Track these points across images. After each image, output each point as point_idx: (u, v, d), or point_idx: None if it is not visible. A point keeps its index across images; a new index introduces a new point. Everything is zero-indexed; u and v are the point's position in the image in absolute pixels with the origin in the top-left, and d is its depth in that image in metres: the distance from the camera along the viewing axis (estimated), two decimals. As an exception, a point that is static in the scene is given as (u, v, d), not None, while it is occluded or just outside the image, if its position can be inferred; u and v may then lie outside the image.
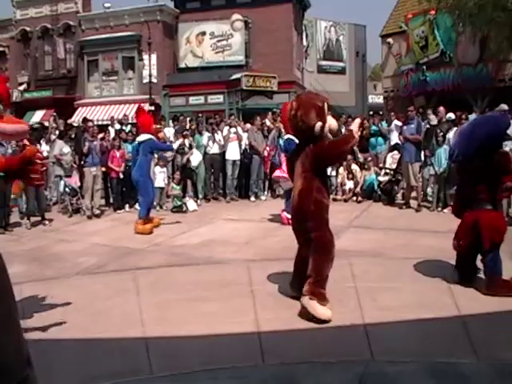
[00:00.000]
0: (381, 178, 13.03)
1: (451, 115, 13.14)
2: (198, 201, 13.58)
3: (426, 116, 12.89)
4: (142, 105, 25.21)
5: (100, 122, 24.83)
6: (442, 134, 11.88)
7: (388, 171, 13.06)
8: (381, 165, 13.45)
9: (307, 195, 5.32)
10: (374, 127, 14.36)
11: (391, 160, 13.10)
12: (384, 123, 14.81)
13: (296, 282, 5.48)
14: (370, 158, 14.00)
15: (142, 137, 10.27)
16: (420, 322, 4.87)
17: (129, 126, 15.25)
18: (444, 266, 6.53)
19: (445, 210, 11.23)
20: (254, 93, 28.77)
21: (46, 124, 22.57)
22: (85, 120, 13.75)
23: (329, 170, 13.97)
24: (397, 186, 12.95)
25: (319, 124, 5.22)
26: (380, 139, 14.12)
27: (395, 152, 13.10)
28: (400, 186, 13.09)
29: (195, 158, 13.59)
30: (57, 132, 14.72)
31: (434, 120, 12.86)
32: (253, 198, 13.94)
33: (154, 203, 12.53)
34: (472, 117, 13.08)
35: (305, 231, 5.34)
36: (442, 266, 6.55)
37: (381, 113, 15.74)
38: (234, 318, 5.08)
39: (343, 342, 4.61)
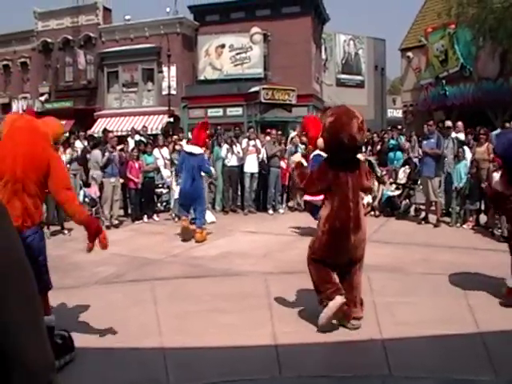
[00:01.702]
0: (390, 193, 12.98)
1: (461, 136, 12.90)
2: (216, 213, 13.61)
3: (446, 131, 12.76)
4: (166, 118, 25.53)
5: (119, 133, 25.03)
6: (461, 148, 11.83)
7: (397, 185, 12.98)
8: (391, 179, 13.37)
9: (365, 219, 5.36)
10: (392, 141, 14.29)
11: (403, 175, 13.04)
12: (403, 137, 14.73)
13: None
14: (384, 172, 13.92)
15: (198, 149, 10.32)
16: (438, 338, 4.84)
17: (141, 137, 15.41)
18: (463, 281, 6.48)
19: (464, 226, 11.16)
20: (272, 105, 28.84)
21: (66, 135, 22.79)
22: (105, 131, 13.85)
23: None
24: (408, 200, 12.86)
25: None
26: (399, 153, 14.03)
27: (407, 166, 13.04)
28: (412, 200, 13.02)
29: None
30: (77, 145, 14.88)
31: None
32: (271, 211, 13.93)
33: (173, 214, 12.66)
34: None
35: (358, 259, 5.27)
36: (460, 281, 6.51)
37: (399, 127, 15.65)
38: (251, 331, 5.08)
39: (361, 357, 4.60)
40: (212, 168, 12.07)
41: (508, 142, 6.02)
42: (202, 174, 10.69)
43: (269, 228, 11.58)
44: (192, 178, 10.17)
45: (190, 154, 10.28)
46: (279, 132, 15.29)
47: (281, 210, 14.05)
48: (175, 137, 15.04)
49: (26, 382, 1.53)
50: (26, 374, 1.53)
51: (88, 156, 13.24)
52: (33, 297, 1.62)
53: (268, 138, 14.73)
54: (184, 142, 11.47)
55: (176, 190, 12.40)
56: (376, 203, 13.13)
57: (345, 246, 5.09)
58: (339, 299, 4.98)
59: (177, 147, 13.47)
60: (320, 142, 5.37)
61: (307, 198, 10.01)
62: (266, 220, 12.99)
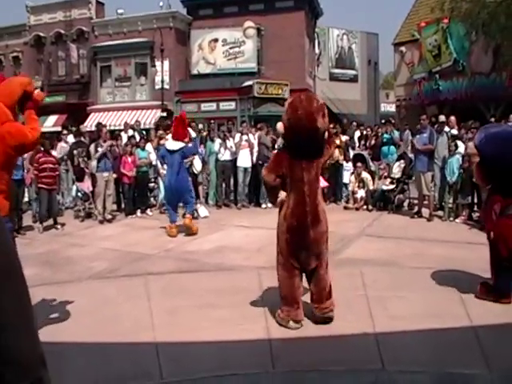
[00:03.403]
0: (385, 187, 12.99)
1: (454, 131, 12.92)
2: (209, 207, 13.59)
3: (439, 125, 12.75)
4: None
5: (112, 128, 24.97)
6: (453, 143, 11.86)
7: (391, 180, 12.99)
8: (386, 174, 13.40)
9: (324, 211, 5.24)
10: (386, 136, 14.30)
11: (398, 169, 13.05)
12: (396, 132, 14.75)
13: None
14: (382, 167, 13.94)
15: (178, 144, 10.32)
16: (431, 332, 4.85)
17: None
18: (456, 275, 6.50)
19: (457, 220, 11.19)
20: (265, 100, 28.80)
21: (58, 129, 22.73)
22: (99, 125, 13.74)
23: (345, 177, 14.03)
24: (402, 195, 12.88)
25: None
26: (392, 148, 14.04)
27: (402, 161, 13.05)
28: (406, 194, 13.04)
29: (198, 163, 13.54)
30: (69, 140, 14.89)
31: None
32: (264, 205, 13.92)
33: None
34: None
35: (319, 253, 5.09)
36: (453, 275, 6.53)
37: (393, 121, 15.65)
38: (244, 325, 5.08)
39: (354, 351, 4.60)
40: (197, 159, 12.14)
41: (486, 136, 6.03)
42: (196, 163, 10.69)
43: (262, 222, 11.54)
44: (176, 173, 10.22)
45: (172, 150, 10.32)
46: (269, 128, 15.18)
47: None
48: (160, 132, 14.96)
49: (17, 377, 1.53)
50: (17, 370, 1.53)
51: (75, 152, 13.27)
52: (24, 294, 1.62)
53: (259, 132, 14.66)
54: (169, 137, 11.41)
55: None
56: (369, 197, 13.14)
57: (305, 242, 4.99)
58: (292, 326, 5.01)
59: (162, 142, 13.41)
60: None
61: None
62: (260, 214, 12.98)
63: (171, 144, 10.38)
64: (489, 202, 5.96)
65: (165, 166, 11.00)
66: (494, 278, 5.79)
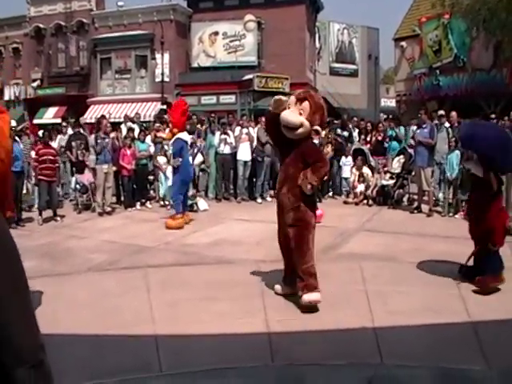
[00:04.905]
0: (385, 182, 12.98)
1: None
2: (209, 200, 13.56)
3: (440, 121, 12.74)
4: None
5: (112, 120, 24.92)
6: (454, 138, 11.84)
7: (391, 175, 12.98)
8: (386, 168, 13.39)
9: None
10: (391, 131, 14.27)
11: (398, 164, 13.04)
12: (402, 128, 14.78)
13: None
14: (380, 162, 13.91)
15: (186, 135, 10.46)
16: (430, 327, 4.86)
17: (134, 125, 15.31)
18: (455, 271, 6.50)
19: (456, 216, 11.19)
20: (266, 94, 28.72)
21: (58, 121, 22.71)
22: (102, 118, 13.67)
23: (347, 171, 14.01)
24: (402, 190, 12.88)
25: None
26: (394, 143, 14.00)
27: (402, 156, 13.04)
28: (405, 189, 13.04)
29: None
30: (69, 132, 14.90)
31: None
32: (259, 200, 13.80)
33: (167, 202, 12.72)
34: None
35: None
36: (452, 271, 6.53)
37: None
38: (244, 318, 5.09)
39: (353, 345, 4.61)
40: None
41: (473, 134, 6.17)
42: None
43: (262, 216, 11.52)
44: (191, 164, 10.35)
45: (186, 141, 10.40)
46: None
47: (268, 198, 13.81)
48: (157, 125, 14.89)
49: (17, 361, 1.55)
50: (18, 355, 1.55)
51: (73, 144, 13.28)
52: (24, 288, 1.64)
53: (259, 125, 14.60)
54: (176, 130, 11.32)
55: (170, 178, 12.20)
56: (369, 192, 13.14)
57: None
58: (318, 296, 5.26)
59: (159, 135, 13.37)
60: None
61: None
62: (259, 208, 12.96)
63: (185, 136, 10.54)
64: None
65: (179, 159, 10.90)
66: (484, 263, 5.92)
